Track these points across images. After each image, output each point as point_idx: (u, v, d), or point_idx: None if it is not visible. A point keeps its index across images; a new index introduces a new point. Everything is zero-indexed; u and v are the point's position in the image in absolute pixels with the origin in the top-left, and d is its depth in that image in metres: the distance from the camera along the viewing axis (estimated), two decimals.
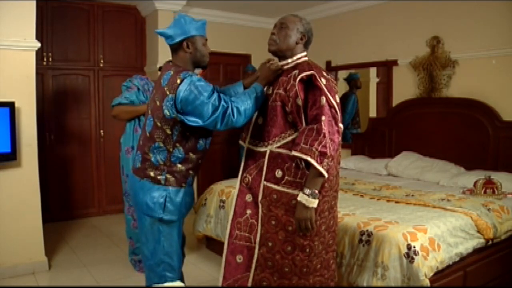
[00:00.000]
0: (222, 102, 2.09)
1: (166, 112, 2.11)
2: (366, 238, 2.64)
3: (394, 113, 5.05)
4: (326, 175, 2.00)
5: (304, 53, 2.28)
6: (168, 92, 2.11)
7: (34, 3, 3.55)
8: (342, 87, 5.81)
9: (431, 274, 2.49)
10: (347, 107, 5.72)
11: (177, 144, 2.19)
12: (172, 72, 2.15)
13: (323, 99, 2.04)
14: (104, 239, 4.59)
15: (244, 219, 2.28)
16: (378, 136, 5.21)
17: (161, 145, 2.18)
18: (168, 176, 2.21)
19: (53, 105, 5.18)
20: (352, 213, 2.99)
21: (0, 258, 3.50)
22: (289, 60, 2.25)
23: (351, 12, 5.63)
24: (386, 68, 5.25)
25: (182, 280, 2.47)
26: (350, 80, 5.75)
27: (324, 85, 2.06)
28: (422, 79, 4.76)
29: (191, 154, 2.24)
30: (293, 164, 2.11)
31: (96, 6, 5.36)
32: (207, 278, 3.58)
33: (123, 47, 5.62)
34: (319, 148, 1.97)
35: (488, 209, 3.12)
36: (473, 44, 4.34)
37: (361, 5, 5.45)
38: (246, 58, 6.62)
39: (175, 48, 2.25)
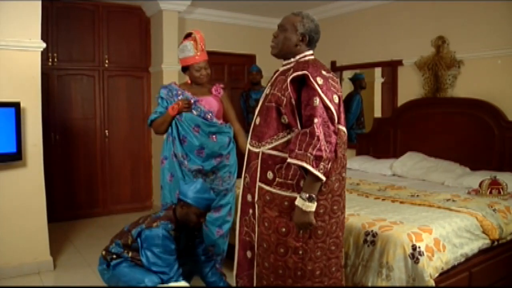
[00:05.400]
0: (170, 273, 2.57)
1: (133, 231, 2.68)
2: (371, 239, 2.63)
3: (399, 113, 5.04)
4: (323, 178, 1.95)
5: (308, 52, 2.22)
6: (144, 223, 2.66)
7: (40, 3, 3.57)
8: (347, 87, 5.80)
9: (436, 274, 2.48)
10: (351, 107, 5.71)
11: (130, 253, 2.71)
12: (162, 215, 2.70)
13: (317, 100, 1.98)
14: (109, 239, 4.58)
15: (248, 217, 2.29)
16: (383, 136, 5.20)
17: (122, 242, 2.75)
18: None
19: (58, 105, 5.20)
20: (357, 213, 2.98)
21: (5, 258, 3.52)
22: (292, 60, 2.22)
23: (355, 12, 5.63)
24: (391, 68, 5.24)
25: None
26: (355, 80, 5.74)
27: (320, 85, 2.00)
28: (427, 79, 4.74)
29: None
30: (284, 166, 2.07)
31: (101, 6, 5.38)
32: None
33: (128, 48, 5.63)
34: (314, 152, 1.92)
35: (494, 210, 3.10)
36: (479, 44, 4.32)
37: (366, 5, 5.43)
38: (251, 58, 6.62)
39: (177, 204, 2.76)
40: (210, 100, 3.21)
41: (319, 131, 1.94)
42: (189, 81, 3.28)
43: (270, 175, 2.13)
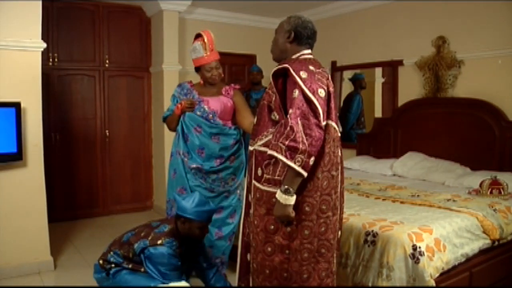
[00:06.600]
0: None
1: (136, 246, 2.64)
2: (371, 239, 2.63)
3: (399, 113, 5.03)
4: (301, 171, 1.88)
5: (305, 51, 2.19)
6: (148, 239, 2.62)
7: (40, 3, 3.57)
8: (347, 87, 5.80)
9: (437, 274, 2.48)
10: (352, 107, 5.70)
11: (131, 265, 2.71)
12: (166, 230, 2.67)
13: (296, 92, 1.95)
14: (109, 239, 4.55)
15: (249, 218, 2.28)
16: (384, 136, 5.19)
17: (122, 253, 2.73)
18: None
19: (59, 105, 5.20)
20: (357, 213, 2.98)
21: (6, 258, 3.52)
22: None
23: (356, 12, 5.62)
24: (391, 68, 5.24)
25: None
26: (355, 80, 5.74)
27: (302, 78, 1.96)
28: (427, 79, 4.74)
29: None
30: (271, 162, 2.04)
31: (101, 6, 5.38)
32: None
33: (128, 48, 5.63)
34: (287, 143, 1.87)
35: (494, 210, 3.10)
36: (479, 44, 4.32)
37: (366, 5, 5.43)
38: (251, 58, 6.62)
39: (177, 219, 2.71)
40: (215, 101, 3.19)
41: (293, 122, 1.90)
42: (201, 82, 3.28)
43: (259, 171, 2.11)
